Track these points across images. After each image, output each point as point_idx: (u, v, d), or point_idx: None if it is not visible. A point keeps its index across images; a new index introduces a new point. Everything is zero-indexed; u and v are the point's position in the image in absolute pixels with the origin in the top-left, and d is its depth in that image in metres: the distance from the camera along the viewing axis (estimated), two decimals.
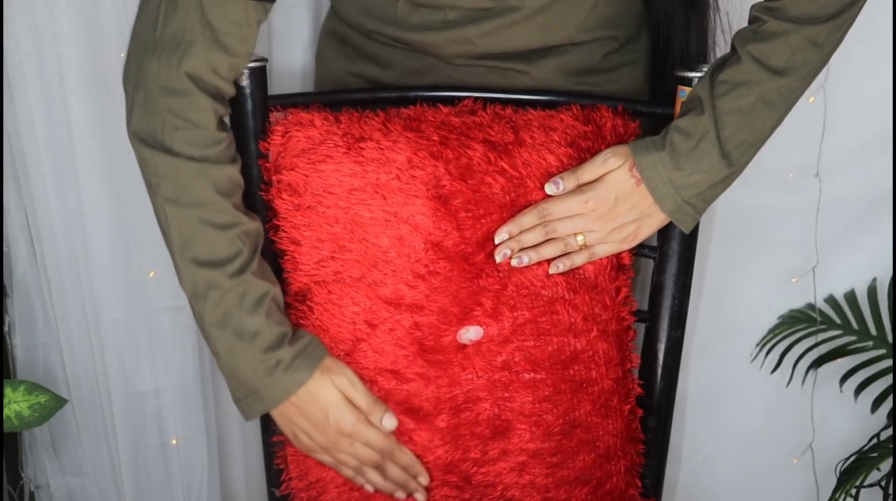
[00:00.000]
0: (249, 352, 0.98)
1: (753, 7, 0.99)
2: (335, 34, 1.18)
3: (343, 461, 1.04)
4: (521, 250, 1.02)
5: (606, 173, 0.99)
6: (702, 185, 0.98)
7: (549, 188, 1.01)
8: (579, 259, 1.02)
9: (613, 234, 1.01)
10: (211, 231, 0.96)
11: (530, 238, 1.01)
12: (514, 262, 1.02)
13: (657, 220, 1.01)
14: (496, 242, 1.02)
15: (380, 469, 1.05)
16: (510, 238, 1.02)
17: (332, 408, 1.01)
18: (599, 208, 1.00)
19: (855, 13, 0.97)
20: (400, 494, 1.07)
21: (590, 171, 1.00)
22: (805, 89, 0.99)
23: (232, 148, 0.99)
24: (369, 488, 1.07)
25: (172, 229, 0.96)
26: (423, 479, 1.07)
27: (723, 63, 0.99)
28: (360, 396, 1.02)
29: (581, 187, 1.00)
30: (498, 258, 1.02)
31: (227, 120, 1.00)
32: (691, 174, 0.98)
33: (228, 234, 0.97)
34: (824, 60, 0.98)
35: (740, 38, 0.98)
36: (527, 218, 1.01)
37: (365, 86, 1.15)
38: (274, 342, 0.98)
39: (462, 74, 1.09)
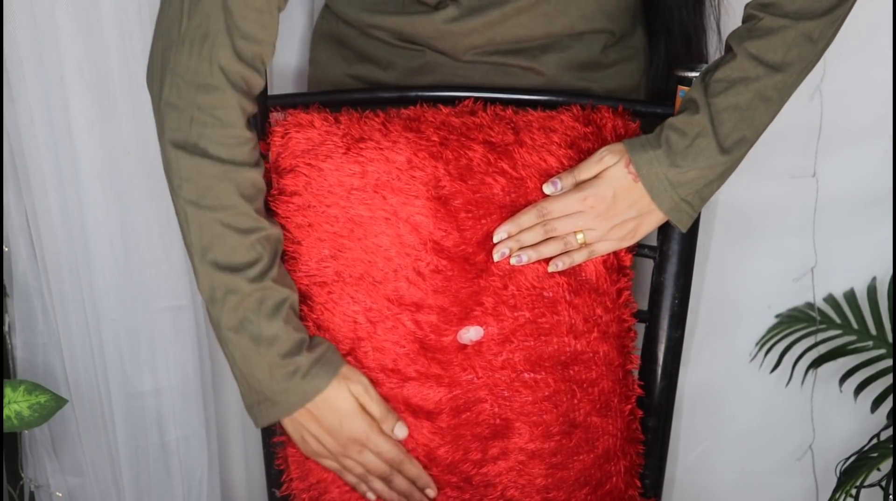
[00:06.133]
0: (266, 357, 0.97)
1: (748, 5, 0.99)
2: (332, 37, 1.17)
3: (349, 467, 1.04)
4: (521, 248, 1.02)
5: (603, 170, 1.00)
6: (699, 182, 0.99)
7: (548, 188, 1.01)
8: (579, 257, 1.02)
9: (613, 231, 1.01)
10: (232, 235, 0.95)
11: (529, 237, 1.01)
12: (513, 260, 1.02)
13: (656, 217, 1.01)
14: (495, 240, 1.02)
15: (386, 479, 1.04)
16: (509, 237, 1.01)
17: (346, 416, 1.00)
18: (598, 206, 1.00)
19: (848, 8, 0.97)
20: None
21: (587, 169, 1.00)
22: (798, 85, 0.99)
23: (257, 151, 0.98)
24: (371, 496, 1.06)
25: (193, 231, 0.95)
26: (431, 491, 1.06)
27: (717, 64, 0.99)
28: (375, 404, 1.02)
29: (579, 186, 1.00)
30: (496, 257, 1.02)
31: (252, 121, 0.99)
32: (688, 171, 0.98)
33: (249, 238, 0.96)
34: (818, 56, 0.99)
35: (735, 36, 0.99)
36: (526, 217, 1.01)
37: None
38: (292, 348, 0.98)
39: (465, 72, 1.09)
